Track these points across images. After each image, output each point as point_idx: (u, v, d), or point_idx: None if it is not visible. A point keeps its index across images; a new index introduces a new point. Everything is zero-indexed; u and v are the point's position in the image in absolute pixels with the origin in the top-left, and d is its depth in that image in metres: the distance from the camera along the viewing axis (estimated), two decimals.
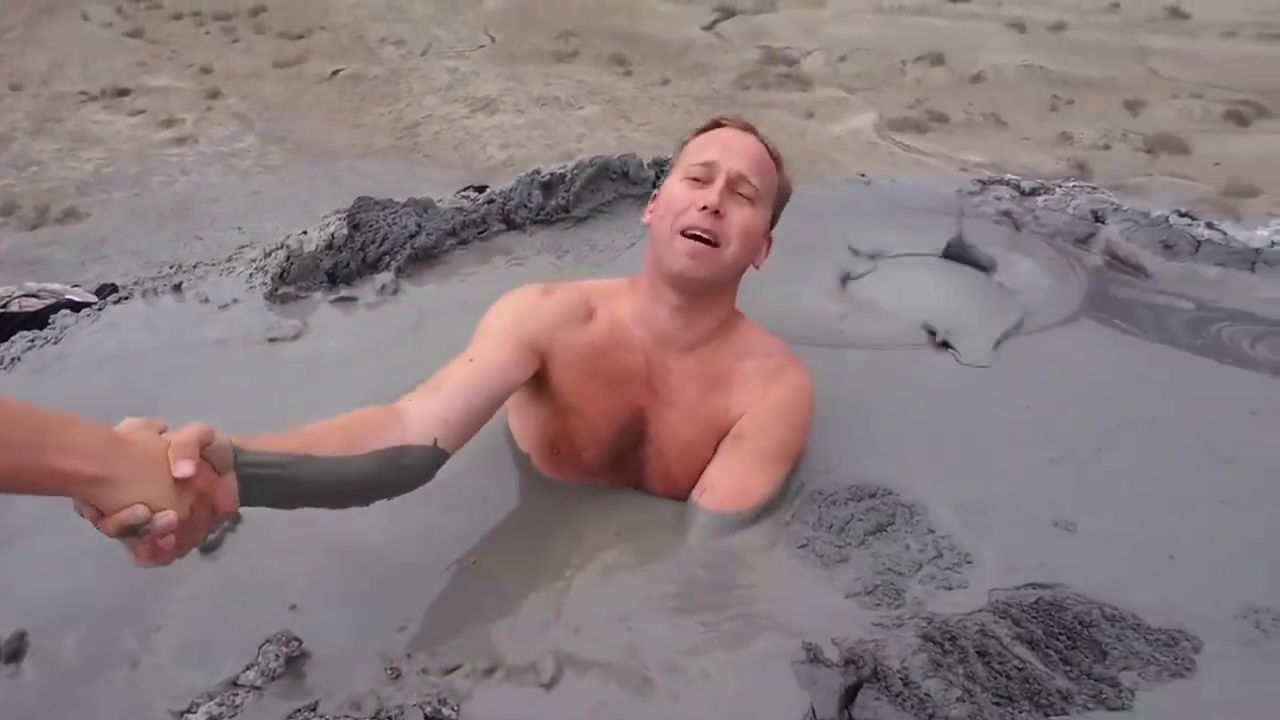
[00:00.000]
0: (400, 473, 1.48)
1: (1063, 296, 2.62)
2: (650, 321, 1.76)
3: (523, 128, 9.85)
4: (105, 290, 3.49)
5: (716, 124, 1.80)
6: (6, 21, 13.72)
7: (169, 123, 10.20)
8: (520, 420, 1.91)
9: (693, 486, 1.79)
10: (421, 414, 1.53)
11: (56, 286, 3.61)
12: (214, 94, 11.01)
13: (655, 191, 1.82)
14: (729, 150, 1.71)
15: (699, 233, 1.65)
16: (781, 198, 1.83)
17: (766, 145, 1.78)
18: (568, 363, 1.75)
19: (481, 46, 12.85)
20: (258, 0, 14.75)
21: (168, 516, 1.14)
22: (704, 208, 1.65)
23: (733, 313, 1.83)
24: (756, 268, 1.80)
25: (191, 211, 8.19)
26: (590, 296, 1.81)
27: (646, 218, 1.80)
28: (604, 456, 1.82)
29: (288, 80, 11.62)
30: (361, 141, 9.85)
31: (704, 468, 1.79)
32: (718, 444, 1.78)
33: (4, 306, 3.29)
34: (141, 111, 10.53)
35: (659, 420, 1.79)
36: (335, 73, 11.82)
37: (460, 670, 1.43)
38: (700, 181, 1.69)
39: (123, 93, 10.99)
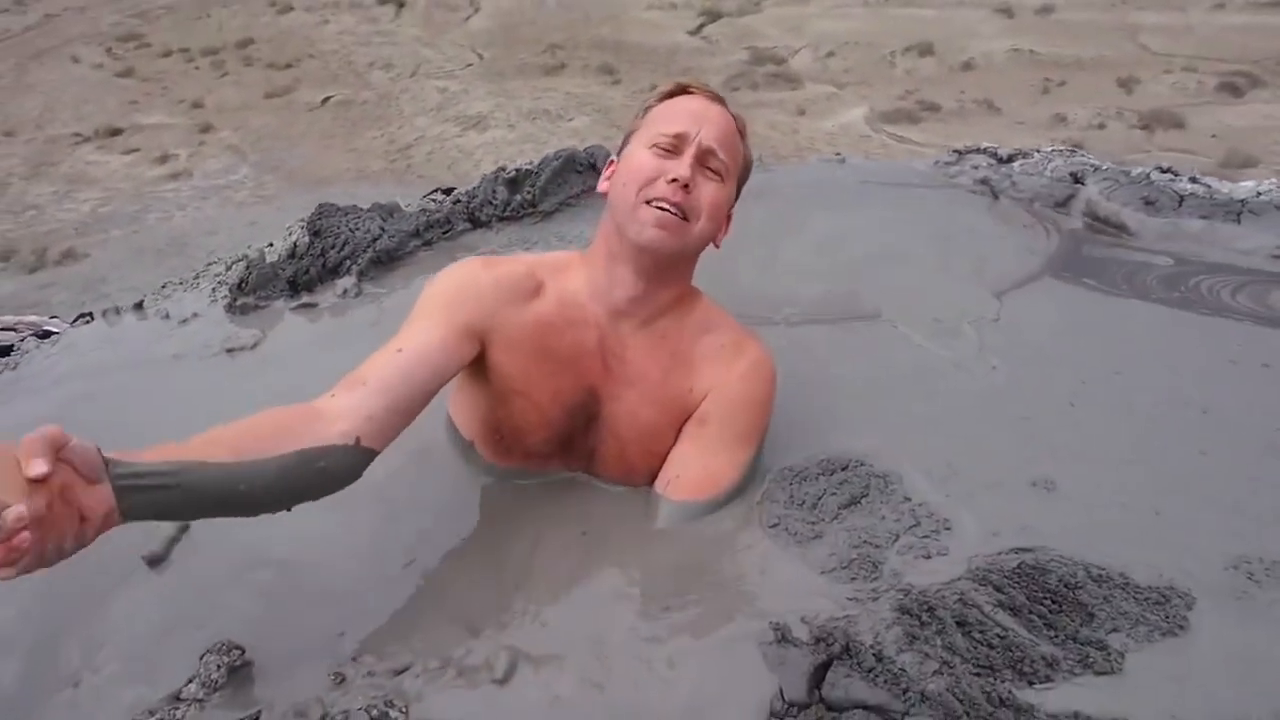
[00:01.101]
0: (317, 476, 1.38)
1: (1023, 257, 2.57)
2: (605, 295, 1.66)
3: (515, 142, 9.87)
4: (79, 319, 3.46)
5: (683, 89, 1.69)
6: None
7: (163, 159, 10.27)
8: (461, 405, 1.80)
9: (648, 470, 1.72)
10: (342, 411, 1.43)
11: (33, 318, 3.58)
12: (206, 128, 11.08)
13: (613, 158, 1.72)
14: (700, 122, 1.62)
15: (667, 206, 1.57)
16: (745, 171, 1.75)
17: (734, 117, 1.70)
18: (513, 342, 1.65)
19: (470, 65, 12.90)
20: (245, 33, 14.88)
21: (17, 510, 1.06)
22: (674, 180, 1.56)
23: (690, 288, 1.75)
24: (716, 246, 1.71)
25: (189, 245, 8.23)
26: (537, 270, 1.70)
27: (603, 185, 1.70)
28: (553, 440, 1.72)
29: (279, 110, 11.69)
30: (355, 166, 9.89)
31: (662, 450, 1.71)
32: (678, 426, 1.71)
33: None
34: (135, 150, 10.61)
35: (615, 399, 1.70)
36: (326, 100, 11.88)
37: (409, 671, 1.37)
38: (669, 152, 1.60)
39: (115, 132, 11.08)
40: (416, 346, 1.54)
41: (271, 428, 1.36)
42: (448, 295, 1.64)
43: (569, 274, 1.70)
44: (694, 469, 1.68)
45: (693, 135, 1.59)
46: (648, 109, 1.70)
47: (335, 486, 1.42)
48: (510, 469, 1.78)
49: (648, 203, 1.57)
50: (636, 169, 1.60)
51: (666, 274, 1.65)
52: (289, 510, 1.38)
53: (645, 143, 1.62)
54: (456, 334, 1.59)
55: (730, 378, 1.69)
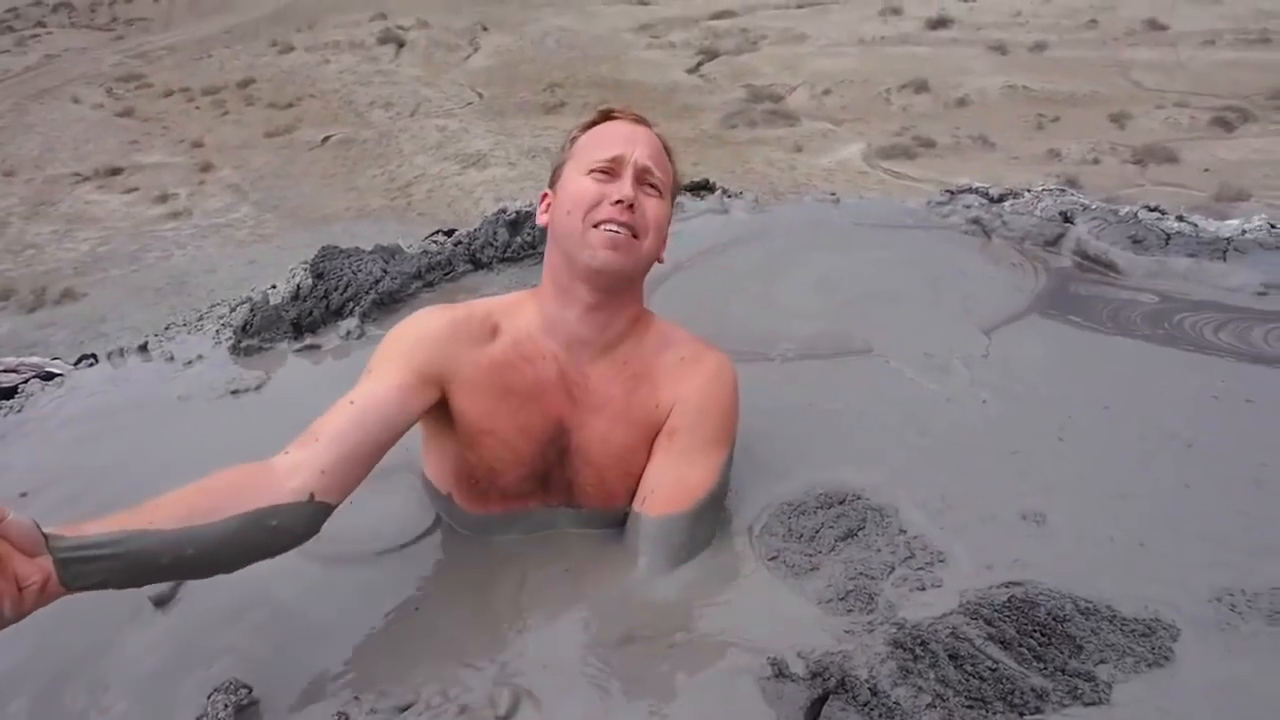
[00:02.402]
0: (270, 535, 1.40)
1: (1012, 295, 2.62)
2: (560, 328, 1.68)
3: (515, 180, 9.94)
4: (83, 361, 3.49)
5: (607, 116, 1.74)
6: None
7: (163, 198, 10.33)
8: (433, 458, 1.81)
9: (627, 492, 1.73)
10: (295, 468, 1.45)
11: (35, 360, 3.61)
12: (206, 167, 11.16)
13: (545, 191, 1.76)
14: (632, 143, 1.66)
15: (616, 226, 1.60)
16: (677, 188, 1.82)
17: (660, 138, 1.75)
18: (473, 385, 1.65)
19: (469, 104, 13.02)
20: (247, 73, 15.02)
21: None
22: (618, 201, 1.60)
23: (643, 310, 1.78)
24: (661, 261, 1.75)
25: (188, 285, 8.26)
26: (493, 313, 1.71)
27: (542, 218, 1.74)
28: (528, 477, 1.72)
29: (279, 149, 11.77)
30: (356, 204, 9.95)
31: (638, 470, 1.72)
32: (650, 442, 1.72)
33: None
34: (135, 189, 10.67)
35: (584, 428, 1.70)
36: (326, 139, 11.97)
37: (412, 709, 1.39)
38: (608, 175, 1.63)
39: (115, 171, 11.15)
40: (370, 397, 1.56)
41: (223, 488, 1.38)
42: (402, 345, 1.66)
43: (522, 312, 1.72)
44: (668, 482, 1.68)
45: (628, 156, 1.64)
46: (573, 139, 1.73)
47: (292, 543, 1.45)
48: (491, 516, 1.76)
49: (595, 226, 1.60)
50: (578, 195, 1.63)
51: (620, 296, 1.68)
52: (244, 568, 1.41)
53: (581, 169, 1.65)
54: (412, 381, 1.60)
55: (693, 387, 1.71)
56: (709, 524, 1.72)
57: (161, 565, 1.30)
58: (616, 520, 1.74)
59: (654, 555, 1.66)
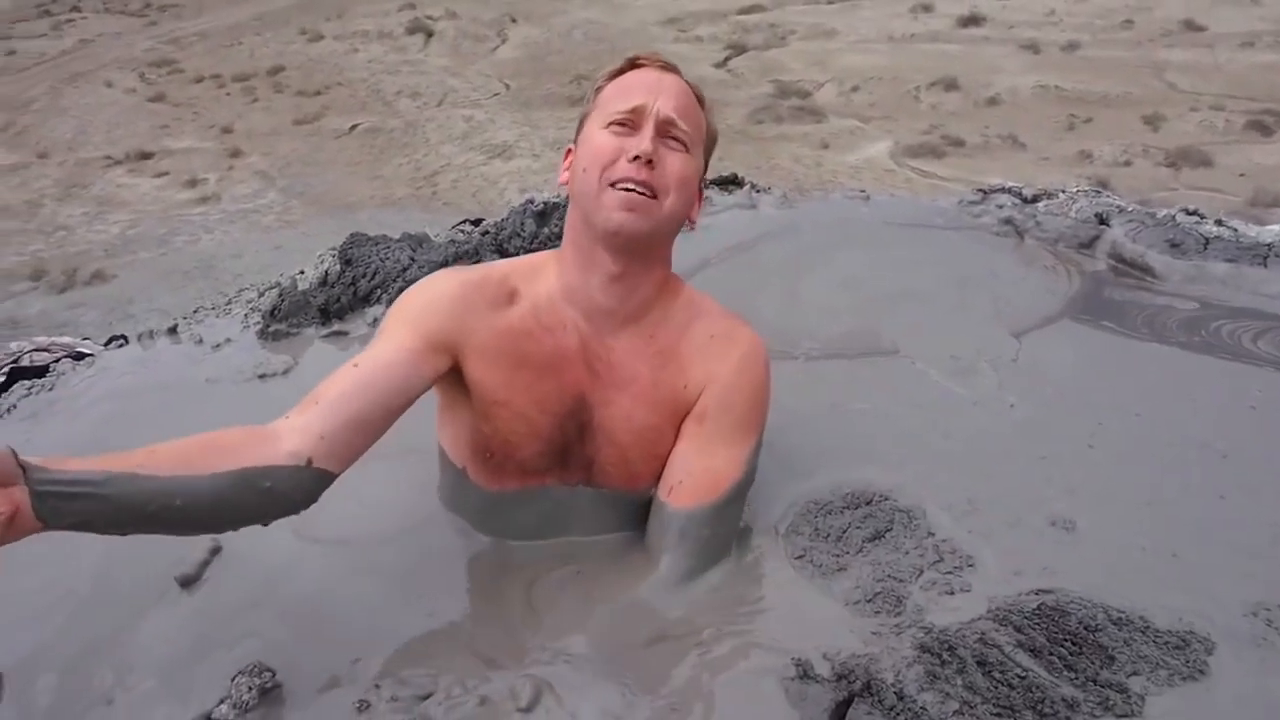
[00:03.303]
0: (263, 496, 1.34)
1: (1043, 298, 2.58)
2: (581, 295, 1.58)
3: (539, 171, 9.94)
4: (113, 342, 3.52)
5: (633, 64, 1.60)
6: (32, 92, 14.12)
7: (192, 183, 10.40)
8: (447, 429, 1.72)
9: (651, 474, 1.66)
10: (293, 431, 1.38)
11: (67, 340, 3.64)
12: (235, 153, 11.22)
13: (570, 146, 1.63)
14: (655, 92, 1.52)
15: (632, 185, 1.48)
16: (711, 142, 1.66)
17: (692, 86, 1.61)
18: (487, 352, 1.56)
19: (496, 94, 13.02)
20: (276, 60, 15.10)
21: None
22: (636, 157, 1.48)
23: (670, 275, 1.66)
24: (691, 223, 1.64)
25: (215, 269, 8.32)
26: (511, 276, 1.61)
27: (563, 175, 1.61)
28: (546, 453, 1.63)
29: (307, 136, 11.83)
30: (381, 192, 9.98)
31: (664, 452, 1.64)
32: (677, 424, 1.64)
33: (15, 361, 3.32)
34: (165, 173, 10.75)
35: (608, 405, 1.61)
36: (353, 127, 12.02)
37: (433, 699, 1.39)
38: (627, 128, 1.51)
39: (146, 156, 11.24)
40: (375, 361, 1.48)
41: (219, 444, 1.33)
42: (413, 309, 1.57)
43: (543, 277, 1.62)
44: (696, 471, 1.61)
45: (650, 107, 1.51)
46: (598, 90, 1.60)
47: (287, 508, 1.40)
48: (505, 493, 1.68)
49: (612, 185, 1.49)
50: (595, 151, 1.52)
51: (642, 260, 1.57)
52: (235, 530, 1.38)
53: (601, 123, 1.54)
54: (421, 346, 1.52)
55: (724, 370, 1.62)
56: (735, 514, 1.67)
57: (147, 513, 1.25)
58: (637, 502, 1.68)
59: (679, 548, 1.61)
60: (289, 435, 1.38)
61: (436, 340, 1.53)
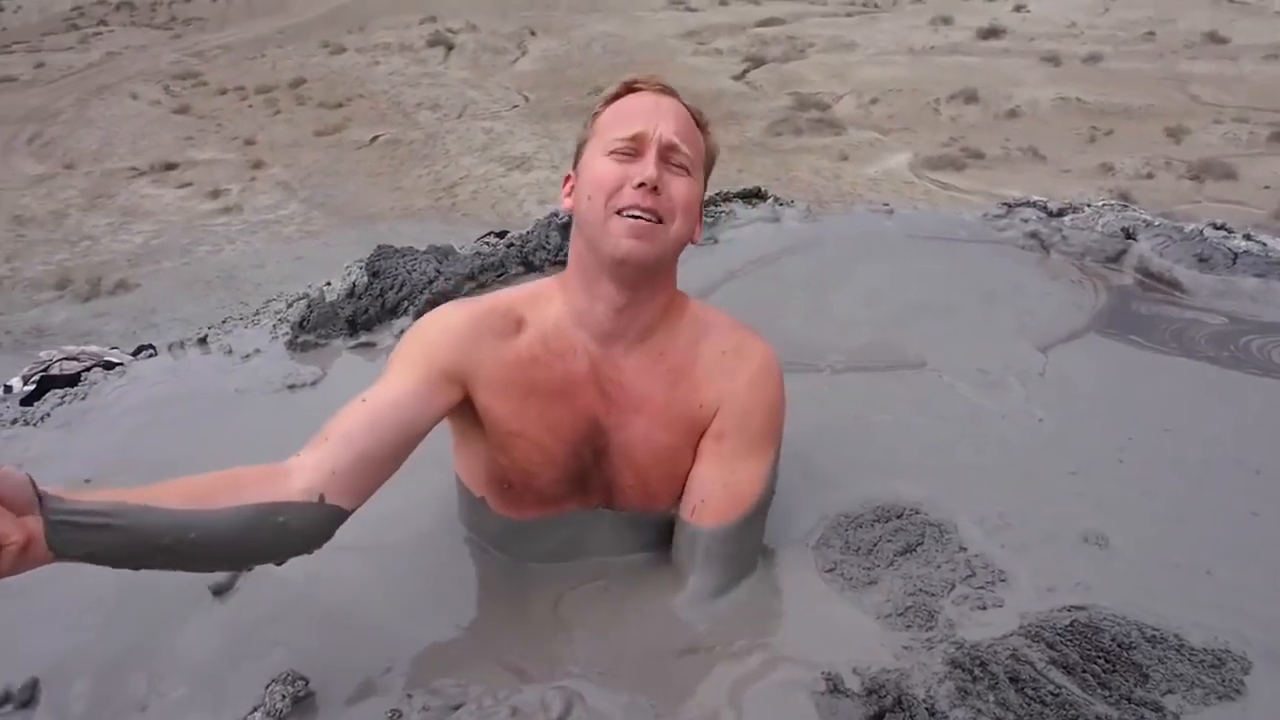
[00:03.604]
0: (277, 532, 1.34)
1: (1070, 313, 2.58)
2: (589, 319, 1.56)
3: (558, 183, 9.92)
4: (141, 352, 3.55)
5: (630, 88, 1.57)
6: (60, 104, 14.28)
7: (215, 194, 10.50)
8: (464, 460, 1.72)
9: (671, 494, 1.65)
10: (305, 468, 1.38)
11: (95, 349, 3.67)
12: (258, 164, 11.32)
13: (570, 172, 1.61)
14: (655, 118, 1.51)
15: (639, 212, 1.46)
16: (710, 162, 1.64)
17: (690, 108, 1.59)
18: (497, 383, 1.56)
19: (515, 107, 13.10)
20: (299, 73, 15.24)
21: None
22: (641, 184, 1.46)
23: (675, 292, 1.64)
24: (695, 242, 1.61)
25: (237, 279, 8.39)
26: (516, 305, 1.60)
27: (566, 202, 1.60)
28: (564, 480, 1.63)
29: (328, 148, 11.93)
30: (401, 203, 10.05)
31: (683, 471, 1.64)
32: (695, 442, 1.63)
33: (45, 370, 3.36)
34: (189, 184, 10.86)
35: (624, 428, 1.60)
36: (374, 138, 12.11)
37: (464, 709, 1.39)
38: (630, 156, 1.49)
39: (170, 167, 11.35)
40: (385, 396, 1.48)
41: (233, 480, 1.33)
42: (421, 344, 1.57)
43: (549, 303, 1.60)
44: (718, 490, 1.60)
45: (651, 133, 1.49)
46: (596, 115, 1.59)
47: (301, 546, 1.39)
48: (526, 523, 1.68)
49: (618, 213, 1.47)
50: (599, 179, 1.49)
51: (650, 284, 1.55)
52: (248, 569, 1.38)
53: (602, 150, 1.52)
54: (431, 379, 1.52)
55: (739, 386, 1.61)
56: (759, 529, 1.67)
57: (161, 546, 1.25)
58: (659, 523, 1.68)
59: (707, 567, 1.61)
60: (300, 472, 1.37)
61: (446, 373, 1.53)
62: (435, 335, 1.57)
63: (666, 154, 1.50)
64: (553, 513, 1.67)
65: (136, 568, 1.27)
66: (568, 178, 1.61)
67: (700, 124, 1.60)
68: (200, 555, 1.29)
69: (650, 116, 1.51)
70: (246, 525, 1.30)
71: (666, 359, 1.60)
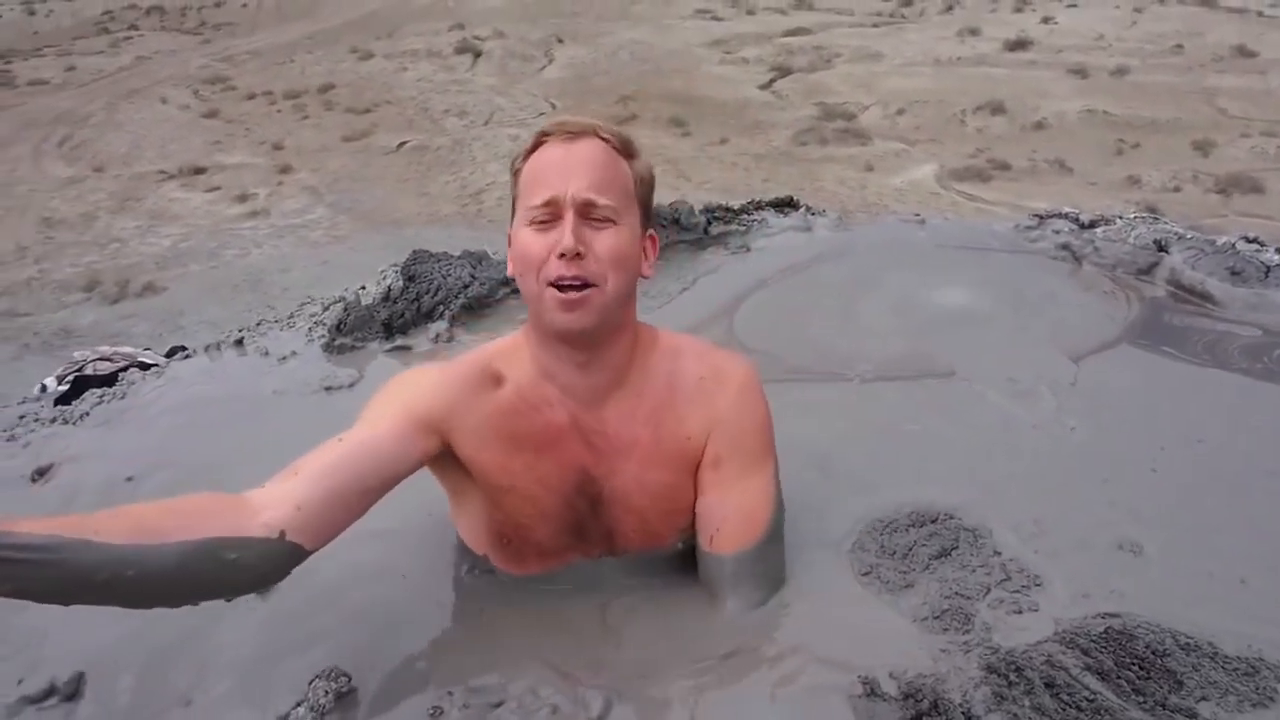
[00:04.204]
0: (227, 569, 1.26)
1: (1102, 324, 2.58)
2: (559, 376, 1.54)
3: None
4: (175, 353, 3.60)
5: (540, 141, 1.49)
6: (90, 108, 14.45)
7: (243, 198, 10.58)
8: (462, 520, 1.70)
9: (673, 531, 1.65)
10: (269, 501, 1.32)
11: (129, 350, 3.73)
12: (285, 169, 11.41)
13: (510, 231, 1.54)
14: (565, 175, 1.43)
15: (568, 282, 1.42)
16: (645, 189, 1.54)
17: (611, 139, 1.49)
18: (479, 436, 1.53)
19: (542, 114, 13.13)
20: (327, 79, 15.35)
21: None
22: (562, 255, 1.41)
23: (640, 328, 1.61)
24: (646, 276, 1.56)
25: (264, 282, 8.45)
26: (492, 361, 1.57)
27: (510, 269, 1.55)
28: (561, 531, 1.62)
29: (356, 153, 12.00)
30: (427, 210, 10.09)
31: (683, 506, 1.63)
32: (691, 475, 1.61)
33: (80, 370, 3.41)
34: (217, 188, 10.95)
35: (615, 475, 1.58)
36: (401, 144, 12.18)
37: (504, 706, 1.42)
38: (547, 222, 1.43)
39: (199, 171, 11.45)
40: (361, 437, 1.45)
41: (186, 510, 1.27)
42: (398, 395, 1.53)
43: (520, 357, 1.58)
44: (730, 516, 1.59)
45: (564, 196, 1.42)
46: (517, 172, 1.51)
47: (252, 583, 1.33)
48: (531, 576, 1.67)
49: (551, 285, 1.43)
50: (524, 255, 1.46)
51: (606, 339, 1.52)
52: (193, 605, 1.29)
53: (523, 220, 1.46)
54: (408, 427, 1.48)
55: (724, 411, 1.59)
56: (780, 540, 1.66)
57: (95, 583, 1.17)
58: (664, 561, 1.67)
59: (738, 590, 1.60)
60: (263, 506, 1.32)
61: (423, 422, 1.49)
62: (412, 388, 1.54)
63: (585, 211, 1.43)
64: (555, 566, 1.67)
65: (66, 604, 1.20)
66: (510, 237, 1.54)
67: (626, 153, 1.51)
68: (138, 592, 1.22)
69: (561, 175, 1.43)
70: (192, 561, 1.22)
71: (646, 399, 1.58)
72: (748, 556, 1.60)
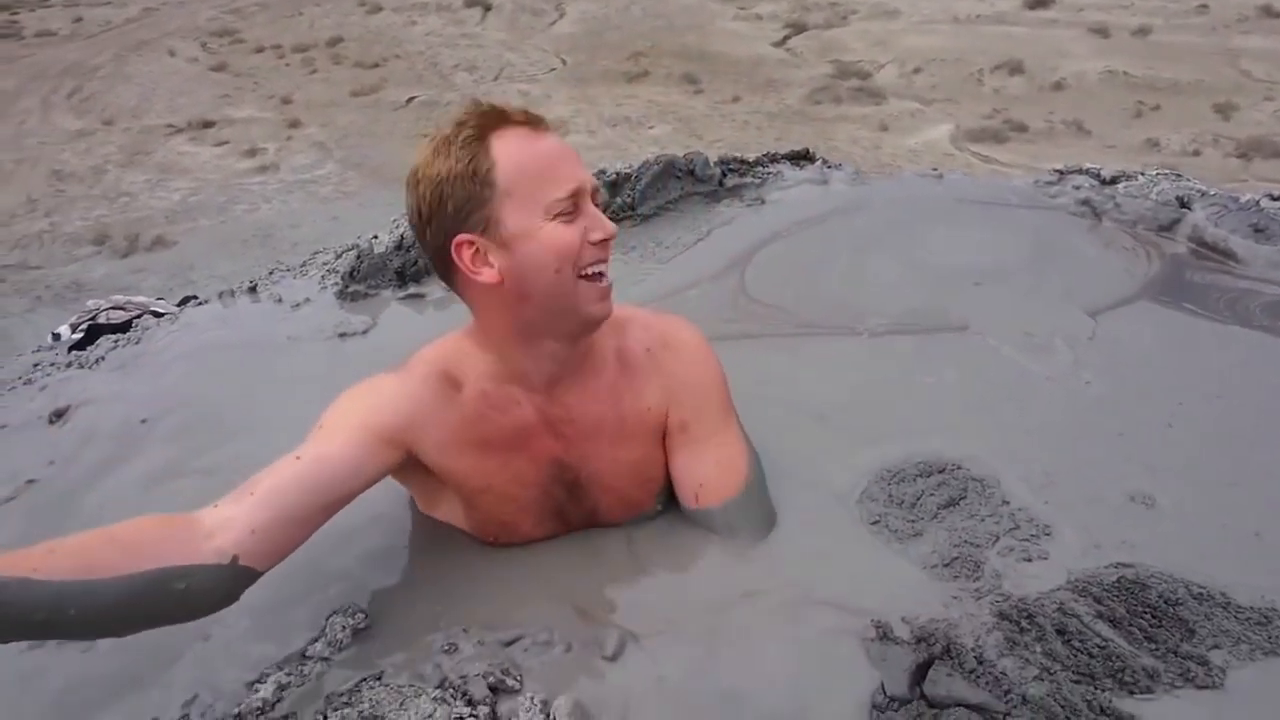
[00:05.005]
0: (176, 599, 1.23)
1: (1121, 279, 2.56)
2: (532, 376, 1.53)
3: (595, 148, 9.92)
4: (186, 303, 3.61)
5: (501, 120, 1.42)
6: (98, 60, 14.36)
7: (252, 152, 10.53)
8: (443, 516, 1.69)
9: (651, 497, 1.68)
10: (222, 524, 1.28)
11: (142, 299, 3.74)
12: (294, 123, 11.34)
13: (468, 238, 1.41)
14: (571, 164, 1.43)
15: (604, 267, 1.44)
16: None
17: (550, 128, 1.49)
18: (452, 445, 1.52)
19: (553, 70, 13.02)
20: (335, 32, 15.21)
21: None
22: (605, 239, 1.42)
23: None
24: None
25: (273, 237, 8.44)
26: (446, 365, 1.54)
27: (490, 276, 1.42)
28: (542, 520, 1.63)
29: (365, 108, 11.91)
30: None
31: (658, 474, 1.66)
32: (660, 443, 1.65)
33: (93, 318, 3.42)
34: (225, 142, 10.90)
35: (588, 459, 1.60)
36: (410, 100, 12.08)
37: (519, 643, 1.43)
38: (571, 213, 1.40)
39: (208, 125, 11.39)
40: (318, 454, 1.40)
41: (131, 540, 1.23)
42: (355, 410, 1.49)
43: (474, 360, 1.55)
44: (709, 472, 1.63)
45: (586, 185, 1.43)
46: (489, 171, 1.39)
47: (204, 609, 1.30)
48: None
49: (583, 276, 1.43)
50: (564, 249, 1.40)
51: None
52: (135, 634, 1.26)
53: (541, 215, 1.39)
54: (368, 442, 1.44)
55: (678, 377, 1.63)
56: (763, 481, 1.68)
57: (34, 622, 1.12)
58: (645, 517, 1.70)
59: (733, 536, 1.63)
60: (216, 529, 1.28)
61: (384, 436, 1.46)
62: (370, 399, 1.50)
63: (596, 198, 1.47)
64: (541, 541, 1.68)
65: (3, 641, 1.15)
66: (464, 243, 1.42)
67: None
68: (79, 628, 1.18)
69: (569, 165, 1.42)
70: (139, 595, 1.19)
71: (601, 378, 1.60)
72: (736, 503, 1.63)
